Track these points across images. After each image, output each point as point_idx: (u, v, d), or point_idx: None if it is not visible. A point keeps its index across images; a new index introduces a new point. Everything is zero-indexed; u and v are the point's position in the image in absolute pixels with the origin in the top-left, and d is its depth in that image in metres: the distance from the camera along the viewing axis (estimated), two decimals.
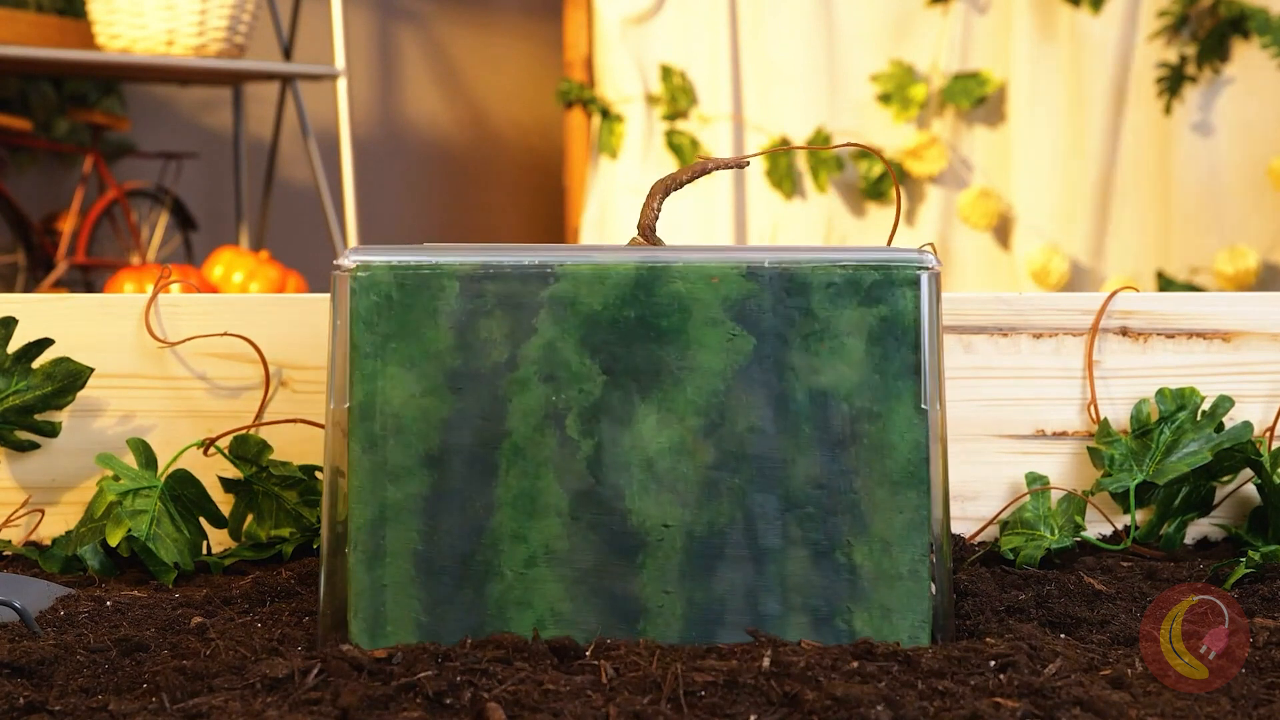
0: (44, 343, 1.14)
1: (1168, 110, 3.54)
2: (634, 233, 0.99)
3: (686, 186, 1.00)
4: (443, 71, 4.67)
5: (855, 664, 0.83)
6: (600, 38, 4.01)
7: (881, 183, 3.83)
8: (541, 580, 0.90)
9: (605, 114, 4.00)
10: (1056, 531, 1.13)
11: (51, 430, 1.16)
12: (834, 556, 0.90)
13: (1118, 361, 1.20)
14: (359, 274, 0.91)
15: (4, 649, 0.88)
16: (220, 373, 1.19)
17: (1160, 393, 1.16)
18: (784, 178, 3.85)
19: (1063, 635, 0.94)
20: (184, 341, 1.19)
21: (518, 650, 0.85)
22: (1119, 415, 1.19)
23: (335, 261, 0.92)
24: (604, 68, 4.02)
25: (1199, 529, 1.20)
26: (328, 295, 0.94)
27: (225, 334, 1.18)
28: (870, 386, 0.91)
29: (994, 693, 0.80)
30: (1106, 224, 3.66)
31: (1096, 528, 1.17)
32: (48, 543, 1.16)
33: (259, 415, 1.18)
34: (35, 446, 1.17)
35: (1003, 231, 3.79)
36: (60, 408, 1.15)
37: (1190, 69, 3.54)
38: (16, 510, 1.17)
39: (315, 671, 0.81)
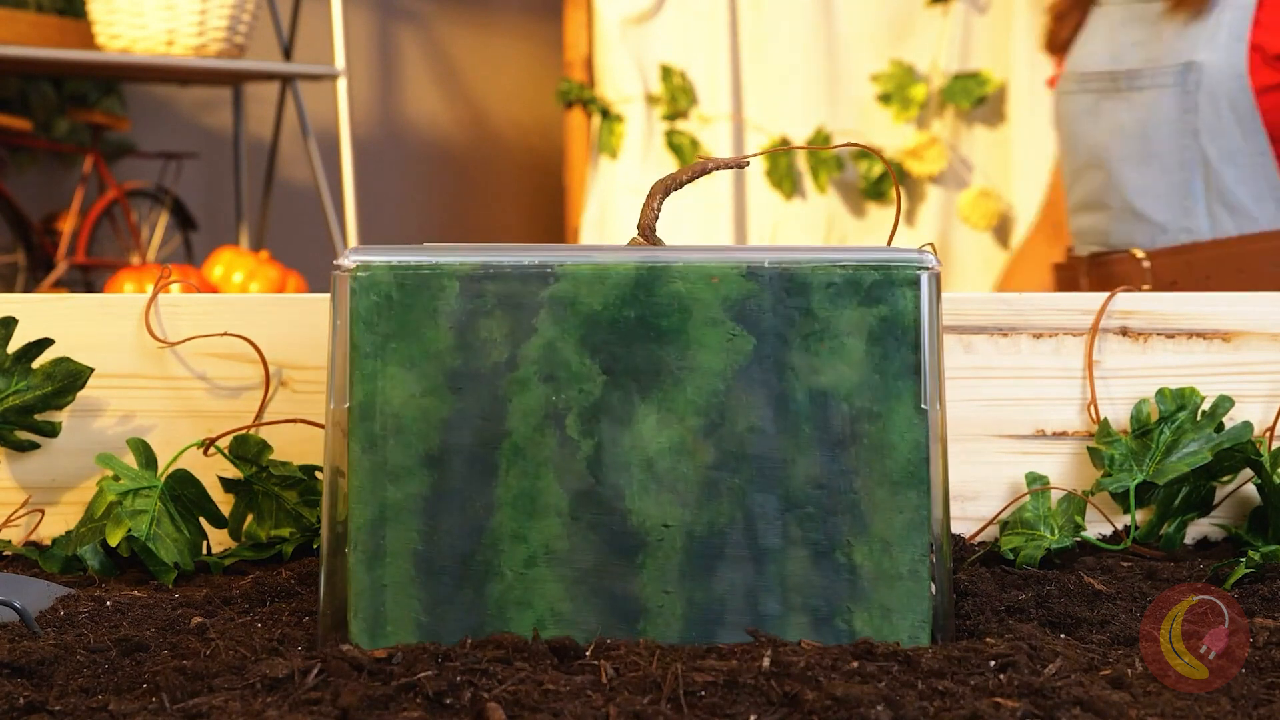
0: (44, 343, 1.14)
1: None
2: (634, 233, 0.99)
3: (686, 186, 1.00)
4: (443, 71, 4.67)
5: (855, 664, 0.83)
6: (600, 38, 4.01)
7: (881, 183, 3.83)
8: (541, 580, 0.90)
9: (605, 114, 4.00)
10: (1056, 531, 1.13)
11: (51, 430, 1.16)
12: (834, 556, 0.90)
13: (1118, 361, 1.20)
14: (359, 274, 0.91)
15: (4, 649, 0.88)
16: (220, 373, 1.19)
17: (1160, 393, 1.16)
18: (784, 178, 3.85)
19: (1063, 635, 0.94)
20: (184, 341, 1.19)
21: (518, 650, 0.85)
22: (1119, 415, 1.19)
23: (335, 261, 0.92)
24: (604, 68, 4.01)
25: (1199, 529, 1.20)
26: (328, 295, 0.94)
27: (225, 334, 1.18)
28: (870, 386, 0.91)
29: (994, 693, 0.80)
30: None
31: (1096, 528, 1.17)
32: (48, 543, 1.16)
33: (259, 415, 1.18)
34: (35, 446, 1.17)
35: (1003, 231, 3.79)
36: (60, 408, 1.15)
37: None
38: (16, 510, 1.17)
39: (315, 671, 0.81)
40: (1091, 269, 1.87)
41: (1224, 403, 1.16)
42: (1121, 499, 1.15)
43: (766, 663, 0.82)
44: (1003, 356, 1.20)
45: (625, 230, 3.81)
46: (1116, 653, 0.90)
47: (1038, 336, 1.20)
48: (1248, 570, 1.05)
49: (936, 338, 0.92)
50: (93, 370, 1.15)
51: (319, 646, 0.89)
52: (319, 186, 3.80)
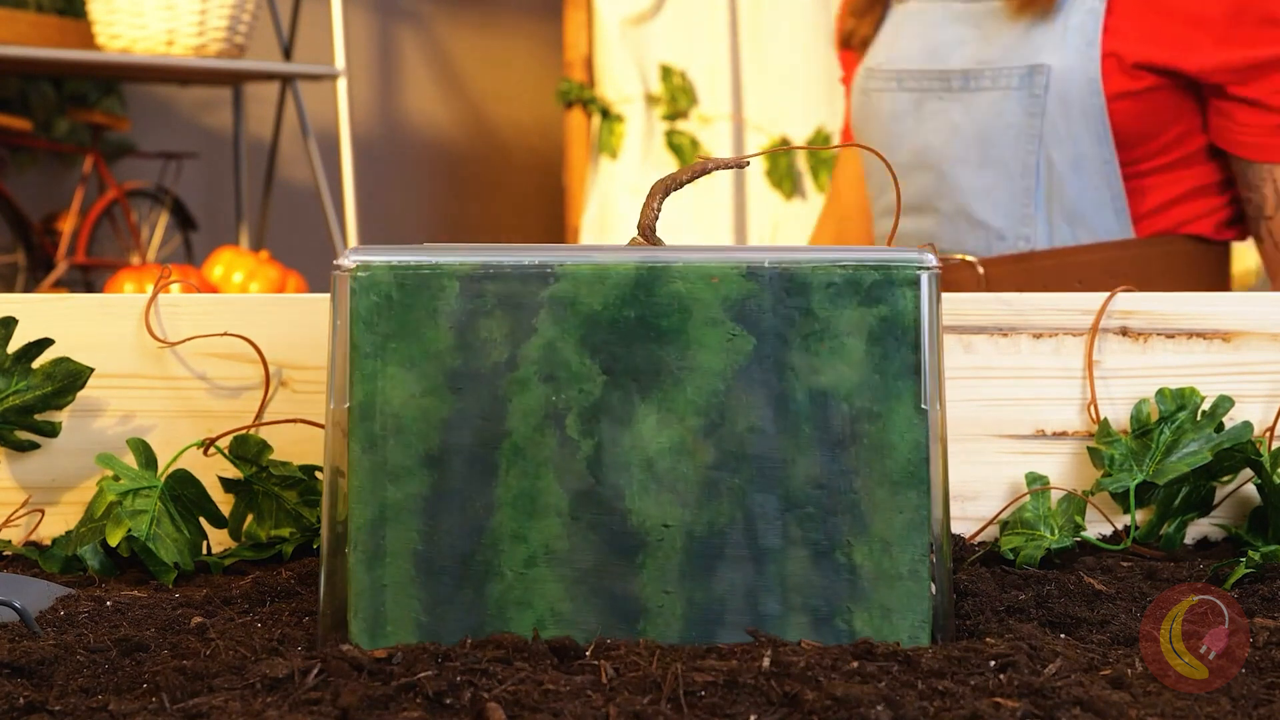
0: (44, 343, 1.14)
1: None
2: (634, 233, 0.99)
3: (686, 186, 1.01)
4: (443, 71, 4.67)
5: (855, 664, 0.83)
6: (600, 38, 4.01)
7: None
8: (541, 580, 0.90)
9: (605, 114, 4.00)
10: (1056, 531, 1.13)
11: (51, 430, 1.16)
12: (834, 556, 0.90)
13: (1118, 361, 1.20)
14: (359, 274, 0.91)
15: (4, 649, 0.88)
16: (220, 373, 1.19)
17: (1160, 393, 1.16)
18: (784, 178, 3.85)
19: (1063, 635, 0.94)
20: (184, 341, 1.19)
21: (518, 650, 0.85)
22: (1119, 415, 1.19)
23: (335, 261, 0.92)
24: (604, 68, 4.02)
25: (1199, 529, 1.20)
26: (328, 295, 0.94)
27: (225, 334, 1.18)
28: (870, 386, 0.91)
29: (994, 693, 0.80)
30: None
31: (1096, 528, 1.17)
32: (48, 543, 1.16)
33: (259, 415, 1.18)
34: (35, 446, 1.17)
35: None
36: (60, 408, 1.15)
37: None
38: (16, 510, 1.17)
39: (315, 671, 0.81)
40: None
41: (1224, 403, 1.16)
42: (1121, 499, 1.15)
43: (766, 663, 0.82)
44: (1003, 356, 1.20)
45: (625, 230, 3.82)
46: (1116, 653, 0.90)
47: (1038, 336, 1.20)
48: (1248, 570, 1.05)
49: (936, 338, 0.92)
50: (93, 370, 1.15)
51: (319, 646, 0.89)
52: (319, 186, 3.80)
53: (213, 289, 3.51)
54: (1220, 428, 1.15)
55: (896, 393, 0.91)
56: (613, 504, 0.90)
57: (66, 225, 3.74)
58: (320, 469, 1.14)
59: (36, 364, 1.15)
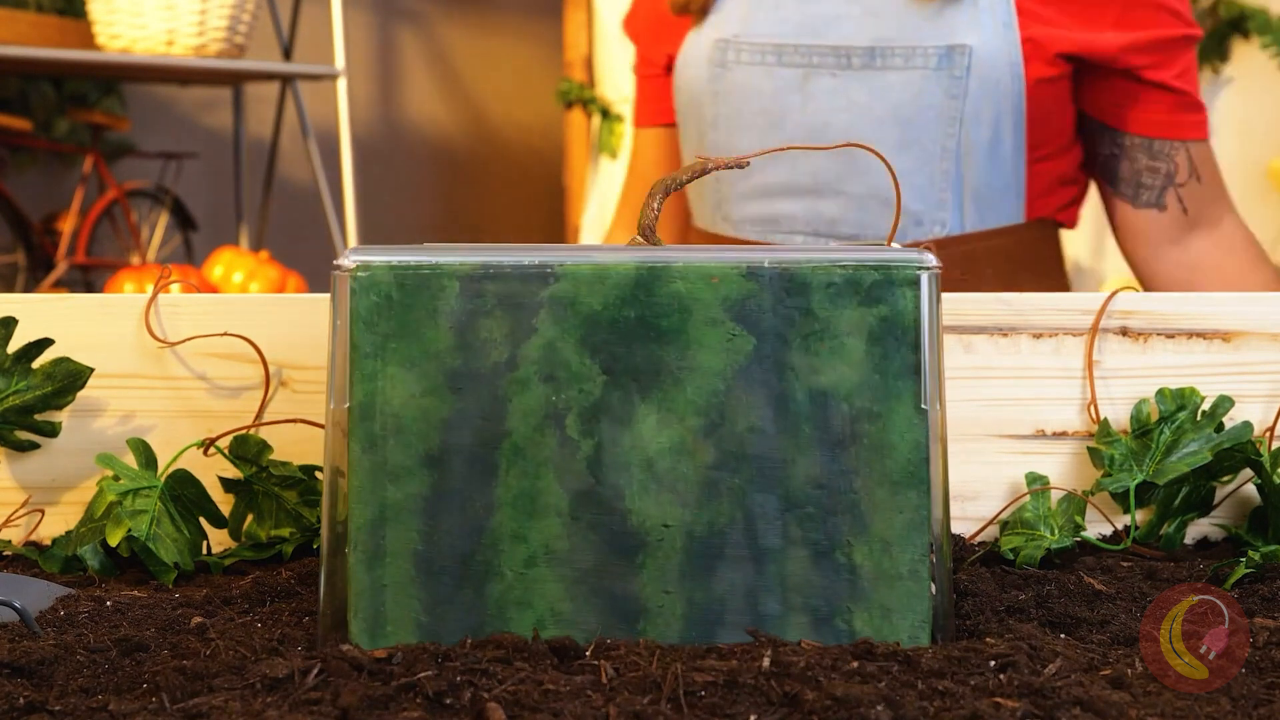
0: (44, 343, 1.14)
1: None
2: (634, 233, 0.99)
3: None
4: (443, 71, 4.67)
5: (855, 664, 0.83)
6: (600, 38, 4.01)
7: None
8: (541, 580, 0.90)
9: (605, 114, 4.00)
10: (1056, 531, 1.13)
11: (51, 430, 1.16)
12: (834, 556, 0.90)
13: (1118, 361, 1.20)
14: (359, 274, 0.91)
15: (4, 649, 0.88)
16: (220, 373, 1.19)
17: (1160, 393, 1.16)
18: None
19: (1063, 635, 0.94)
20: (184, 341, 1.19)
21: (518, 650, 0.85)
22: (1119, 415, 1.19)
23: (335, 261, 0.92)
24: (604, 68, 4.02)
25: (1199, 529, 1.20)
26: (328, 295, 0.94)
27: (225, 334, 1.18)
28: (870, 386, 0.91)
29: (994, 693, 0.80)
30: (1106, 224, 3.66)
31: (1096, 528, 1.18)
32: (48, 543, 1.16)
33: (259, 415, 1.18)
34: (35, 446, 1.17)
35: None
36: (60, 408, 1.15)
37: None
38: (16, 510, 1.17)
39: (315, 671, 0.81)
40: None
41: (1224, 403, 1.16)
42: (1121, 499, 1.15)
43: (766, 663, 0.82)
44: (1003, 356, 1.20)
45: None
46: (1116, 653, 0.90)
47: (1038, 336, 1.20)
48: (1248, 570, 1.05)
49: (936, 338, 0.92)
50: (93, 370, 1.15)
51: (319, 646, 0.89)
52: (319, 186, 3.80)
53: (213, 289, 3.51)
54: (1220, 428, 1.15)
55: (896, 393, 0.91)
56: (613, 504, 0.90)
57: (66, 225, 3.74)
58: (320, 469, 1.14)
59: (36, 364, 1.15)
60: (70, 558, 1.11)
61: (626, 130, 3.90)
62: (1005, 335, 1.20)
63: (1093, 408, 1.19)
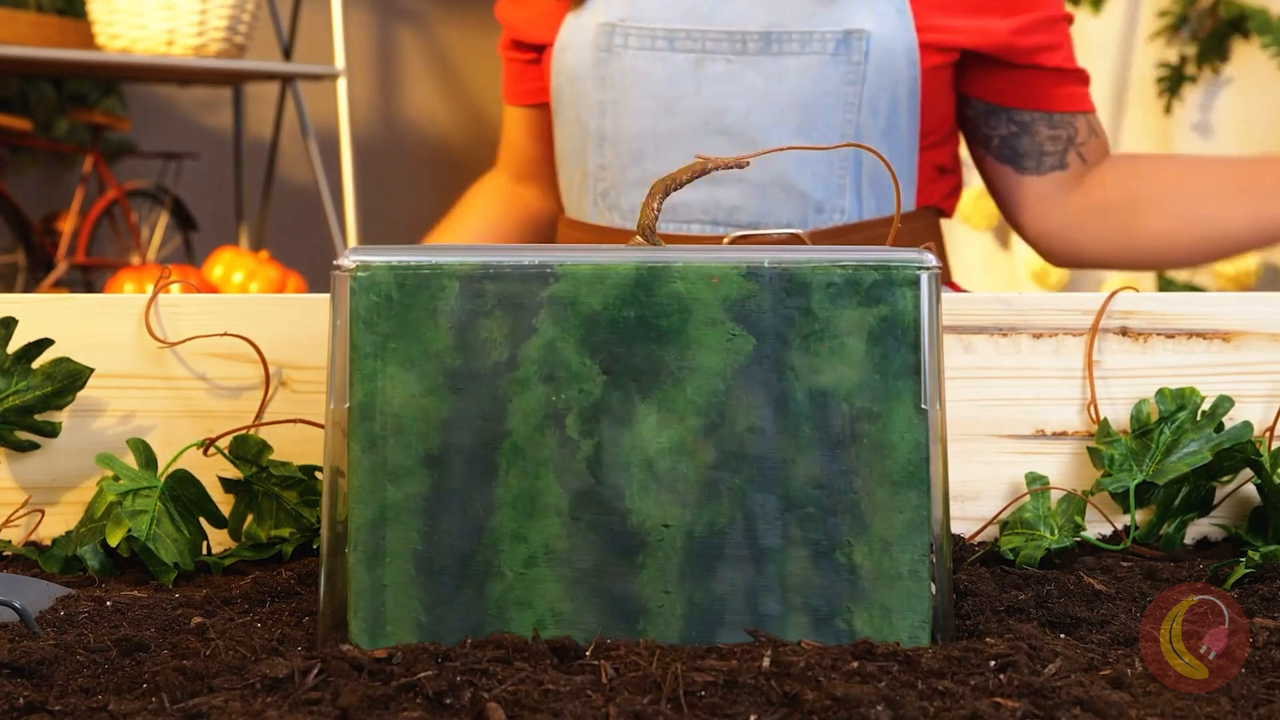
0: (44, 343, 1.14)
1: (1168, 110, 3.54)
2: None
3: (686, 187, 1.00)
4: (443, 71, 4.67)
5: (855, 664, 0.83)
6: None
7: None
8: (541, 580, 0.90)
9: None
10: (1056, 531, 1.13)
11: (51, 430, 1.16)
12: (834, 556, 0.90)
13: (1118, 361, 1.20)
14: (359, 274, 0.91)
15: (4, 649, 0.88)
16: (220, 373, 1.19)
17: (1160, 393, 1.16)
18: None
19: (1063, 635, 0.94)
20: (184, 341, 1.19)
21: (518, 650, 0.85)
22: (1119, 415, 1.19)
23: (335, 261, 0.92)
24: None
25: (1199, 529, 1.20)
26: (328, 295, 0.94)
27: (225, 334, 1.18)
28: (870, 386, 0.91)
29: (994, 693, 0.80)
30: None
31: (1096, 528, 1.17)
32: (48, 543, 1.16)
33: (259, 415, 1.18)
34: (35, 446, 1.17)
35: (1003, 231, 3.79)
36: (60, 408, 1.15)
37: (1190, 69, 3.54)
38: (16, 510, 1.17)
39: (315, 671, 0.81)
40: None
41: (1224, 403, 1.16)
42: (1121, 499, 1.15)
43: (766, 663, 0.82)
44: (1003, 356, 1.20)
45: None
46: (1116, 653, 0.90)
47: (1038, 336, 1.20)
48: (1248, 570, 1.05)
49: (936, 338, 0.92)
50: (93, 370, 1.15)
51: (319, 646, 0.89)
52: (319, 186, 3.80)
53: (213, 289, 3.51)
54: (1220, 428, 1.15)
55: (896, 393, 0.91)
56: (613, 504, 0.90)
57: (66, 225, 3.74)
58: (320, 469, 1.14)
59: (36, 364, 1.15)
60: (70, 558, 1.11)
61: None
62: (1005, 335, 1.20)
63: (1093, 408, 1.19)
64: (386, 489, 0.90)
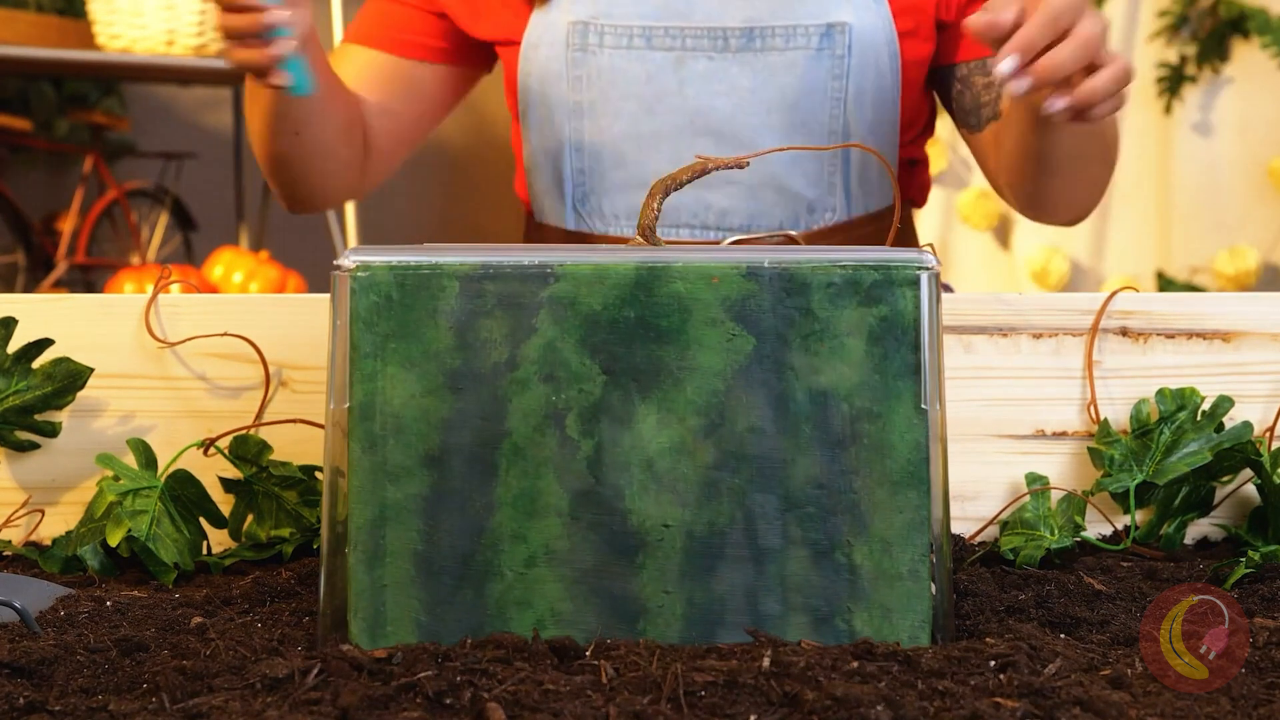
0: (44, 343, 1.14)
1: (1168, 110, 3.54)
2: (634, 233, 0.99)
3: (686, 187, 1.00)
4: None
5: (855, 664, 0.83)
6: None
7: None
8: (541, 580, 0.90)
9: None
10: (1056, 531, 1.13)
11: (51, 430, 1.16)
12: (834, 556, 0.90)
13: (1118, 361, 1.20)
14: (359, 274, 0.91)
15: (4, 649, 0.88)
16: (220, 373, 1.19)
17: (1160, 393, 1.16)
18: None
19: (1063, 635, 0.94)
20: (184, 341, 1.19)
21: (518, 650, 0.85)
22: (1119, 415, 1.19)
23: (335, 261, 0.92)
24: None
25: (1199, 529, 1.20)
26: (328, 295, 0.94)
27: (225, 334, 1.18)
28: (870, 386, 0.91)
29: (994, 693, 0.80)
30: (1106, 224, 3.66)
31: (1096, 528, 1.17)
32: (48, 543, 1.16)
33: (259, 415, 1.18)
34: (35, 446, 1.17)
35: (1003, 231, 3.79)
36: (60, 408, 1.15)
37: (1190, 69, 3.54)
38: (16, 510, 1.17)
39: (315, 671, 0.81)
40: None
41: (1224, 403, 1.16)
42: (1121, 499, 1.15)
43: (766, 663, 0.82)
44: (1003, 356, 1.20)
45: None
46: (1116, 653, 0.90)
47: (1038, 336, 1.20)
48: (1248, 570, 1.05)
49: (936, 338, 0.92)
50: (93, 370, 1.15)
51: (319, 646, 0.89)
52: None
53: (213, 289, 3.51)
54: (1220, 428, 1.15)
55: (896, 393, 0.91)
56: (613, 504, 0.90)
57: (66, 225, 3.74)
58: (320, 469, 1.14)
59: (36, 364, 1.15)
60: (70, 558, 1.11)
61: None
62: (1005, 335, 1.20)
63: (1092, 408, 1.19)
64: (386, 489, 0.90)
